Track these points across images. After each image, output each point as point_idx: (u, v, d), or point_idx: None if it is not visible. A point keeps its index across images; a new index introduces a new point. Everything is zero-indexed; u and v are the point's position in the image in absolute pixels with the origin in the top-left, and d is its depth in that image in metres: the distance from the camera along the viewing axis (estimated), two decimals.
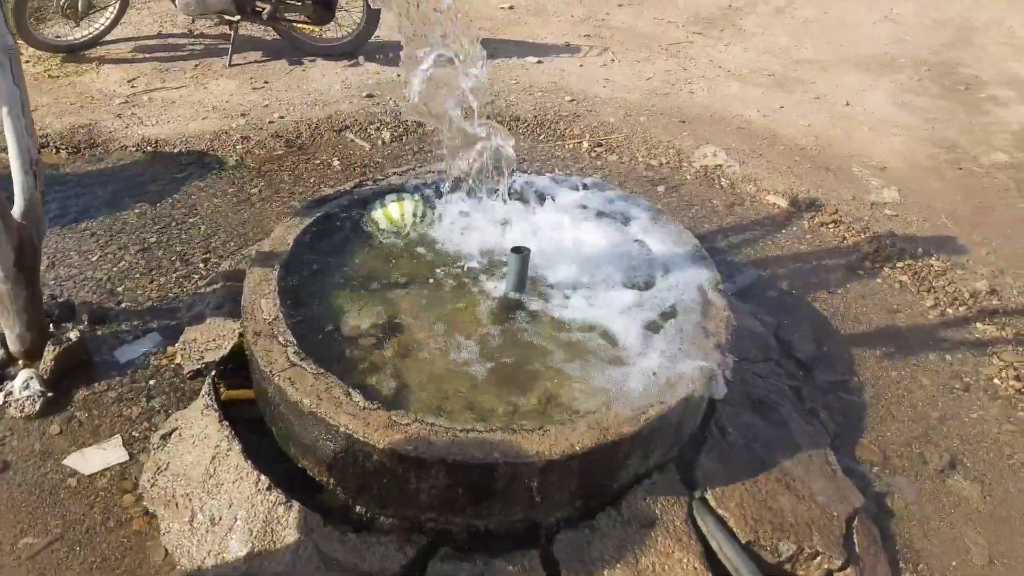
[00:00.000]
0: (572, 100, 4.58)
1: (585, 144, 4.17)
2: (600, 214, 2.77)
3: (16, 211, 2.32)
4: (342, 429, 1.88)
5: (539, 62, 5.09)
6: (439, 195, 2.80)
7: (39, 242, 2.40)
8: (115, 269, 3.02)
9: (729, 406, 2.38)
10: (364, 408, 1.92)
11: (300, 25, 4.84)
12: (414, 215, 2.72)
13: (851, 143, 4.39)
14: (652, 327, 2.28)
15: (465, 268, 2.49)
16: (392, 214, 2.71)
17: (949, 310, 3.16)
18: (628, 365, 2.14)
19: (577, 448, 1.88)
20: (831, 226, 3.60)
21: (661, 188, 3.83)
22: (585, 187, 2.91)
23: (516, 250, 2.31)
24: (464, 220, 2.71)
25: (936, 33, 6.39)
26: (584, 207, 2.80)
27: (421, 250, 2.59)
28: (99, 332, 2.70)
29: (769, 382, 2.64)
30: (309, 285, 2.43)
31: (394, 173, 2.96)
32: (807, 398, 2.67)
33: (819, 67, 5.49)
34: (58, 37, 4.73)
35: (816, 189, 3.85)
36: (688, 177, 3.94)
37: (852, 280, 3.29)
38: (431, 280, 2.45)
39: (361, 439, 1.86)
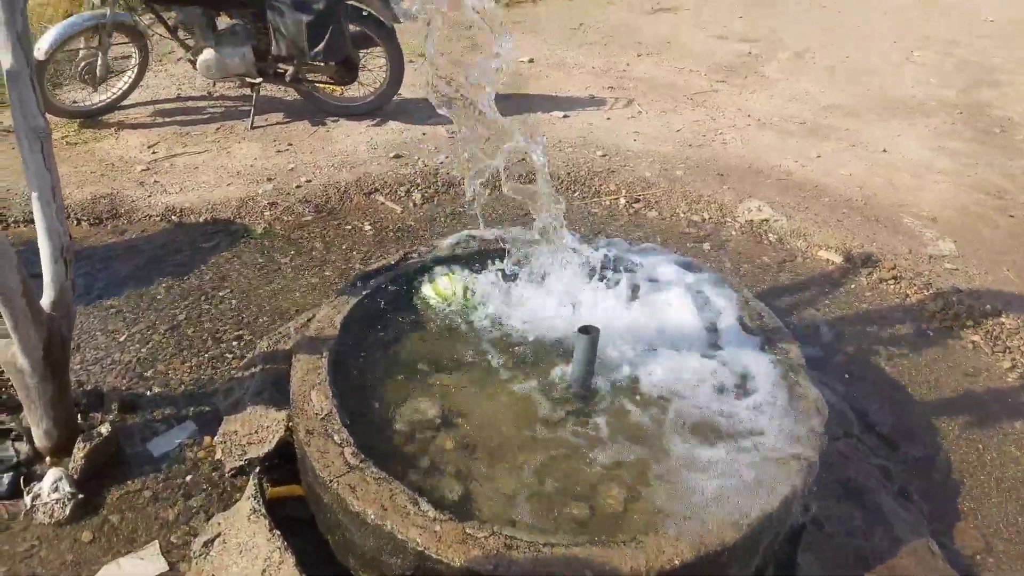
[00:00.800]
0: (604, 155, 4.46)
1: (622, 200, 4.03)
2: (656, 281, 2.60)
3: (45, 301, 2.15)
4: (412, 545, 1.68)
5: (565, 116, 4.98)
6: (489, 266, 2.65)
7: (69, 333, 2.23)
8: (144, 350, 2.85)
9: (821, 493, 2.18)
10: (434, 519, 1.73)
11: (322, 85, 4.75)
12: (466, 289, 2.56)
13: (896, 192, 4.24)
14: (738, 414, 2.10)
15: (526, 349, 2.32)
16: (443, 289, 2.55)
17: None
18: (718, 460, 1.95)
19: (676, 561, 1.68)
20: (891, 283, 3.43)
21: (707, 246, 3.68)
22: (637, 251, 2.75)
23: (584, 330, 2.13)
24: (518, 292, 2.55)
25: (960, 74, 6.30)
26: (639, 272, 2.64)
27: (476, 329, 2.41)
28: (130, 421, 2.51)
29: (855, 462, 2.44)
30: (360, 372, 2.26)
31: (440, 244, 2.80)
32: (896, 477, 2.47)
33: (849, 113, 5.38)
34: (75, 103, 4.64)
35: (870, 243, 3.69)
36: (733, 233, 3.79)
37: (921, 341, 3.11)
38: (490, 363, 2.27)
39: (434, 556, 1.67)
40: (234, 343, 2.92)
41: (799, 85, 5.89)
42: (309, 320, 2.71)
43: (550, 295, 2.51)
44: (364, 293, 2.50)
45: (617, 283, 2.55)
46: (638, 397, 2.16)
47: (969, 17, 7.90)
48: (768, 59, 6.49)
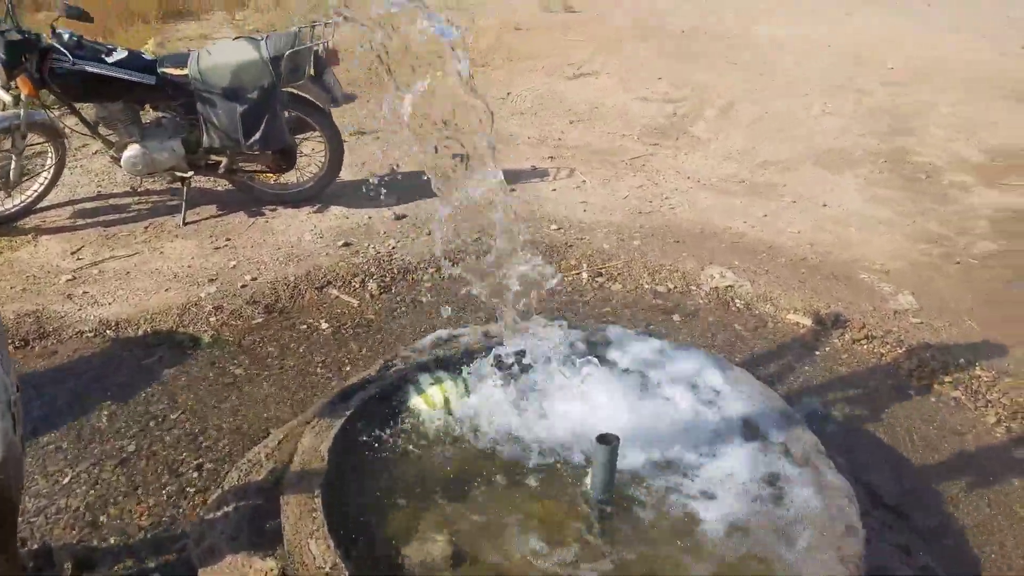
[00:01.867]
0: (558, 228, 4.39)
1: (584, 275, 3.94)
2: (652, 369, 2.50)
3: None
4: None
5: (512, 190, 4.90)
6: (478, 367, 2.48)
7: (18, 496, 1.93)
8: (92, 492, 2.54)
9: None
10: None
11: (258, 174, 4.54)
12: (458, 397, 2.39)
13: (846, 248, 4.31)
14: (768, 518, 1.98)
15: (535, 461, 2.16)
16: (433, 399, 2.37)
17: (1013, 425, 2.99)
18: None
19: None
20: (864, 343, 3.43)
21: (676, 317, 3.61)
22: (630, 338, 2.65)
23: (603, 439, 1.99)
24: (514, 393, 2.39)
25: (876, 122, 6.58)
26: (636, 360, 2.53)
27: (477, 441, 2.24)
28: None
29: (874, 544, 2.35)
30: (357, 508, 2.04)
31: (418, 346, 2.63)
32: (915, 553, 2.39)
33: (783, 168, 5.51)
34: None
35: (834, 302, 3.71)
36: (701, 302, 3.74)
37: (905, 401, 3.10)
38: (497, 482, 2.10)
39: None
40: (194, 474, 2.64)
41: (729, 143, 6.02)
42: (281, 443, 2.49)
43: (550, 394, 2.36)
44: (347, 414, 2.29)
45: (612, 372, 2.43)
46: (665, 506, 2.02)
47: (873, 66, 8.33)
48: (695, 118, 6.63)
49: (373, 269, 3.92)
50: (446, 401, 2.36)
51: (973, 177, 5.46)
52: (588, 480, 2.04)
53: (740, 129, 6.34)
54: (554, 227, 4.39)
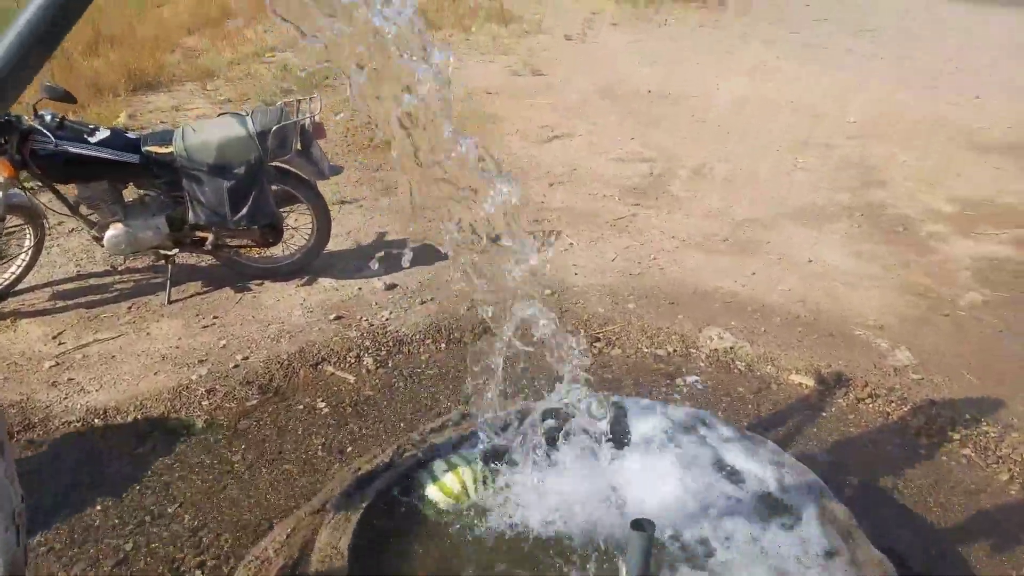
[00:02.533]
0: (552, 293, 4.36)
1: (583, 340, 3.90)
2: (675, 439, 2.45)
3: None
4: None
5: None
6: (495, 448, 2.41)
7: None
8: None
9: None
10: None
11: (245, 249, 4.46)
12: (475, 482, 2.31)
13: (838, 303, 4.35)
14: None
15: (562, 552, 2.08)
16: (450, 486, 2.28)
17: None
18: None
19: None
20: (868, 401, 3.43)
21: (679, 381, 3.59)
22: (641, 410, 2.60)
23: (637, 525, 1.91)
24: (537, 476, 2.32)
25: (846, 176, 6.74)
26: (654, 434, 2.48)
27: (502, 531, 2.16)
28: None
29: None
30: None
31: (432, 430, 2.55)
32: None
33: (763, 225, 5.59)
34: None
35: (835, 361, 3.72)
36: (702, 364, 3.72)
37: (917, 461, 3.08)
38: None
39: None
40: (197, 573, 2.51)
41: (708, 201, 6.10)
42: (289, 536, 2.38)
43: (572, 474, 2.30)
44: (364, 505, 2.20)
45: (636, 448, 2.37)
46: None
47: (835, 120, 8.58)
48: (671, 177, 6.73)
49: (368, 343, 3.84)
50: (464, 488, 2.28)
51: (948, 227, 5.59)
52: (623, 569, 1.97)
53: (716, 187, 6.43)
54: (547, 292, 4.37)
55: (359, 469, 2.36)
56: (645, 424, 2.49)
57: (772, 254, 5.05)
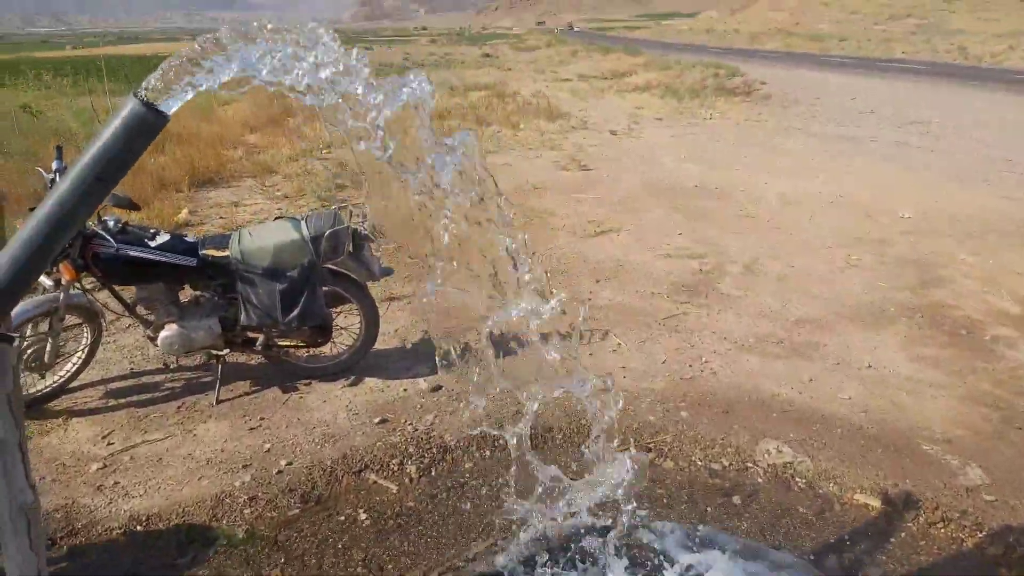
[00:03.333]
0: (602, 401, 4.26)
1: (633, 451, 3.77)
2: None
3: None
4: None
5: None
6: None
7: None
8: None
9: None
10: None
11: (293, 348, 4.49)
12: None
13: (903, 414, 4.15)
14: None
15: None
16: None
17: None
18: None
19: None
20: (940, 526, 3.21)
21: (736, 498, 3.42)
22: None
23: None
24: None
25: (903, 273, 6.58)
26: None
27: None
28: None
29: None
30: None
31: (476, 553, 2.45)
32: None
33: (819, 326, 5.44)
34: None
35: (901, 479, 3.51)
36: (760, 480, 3.55)
37: None
38: None
39: None
40: None
41: (760, 300, 5.99)
42: None
43: None
44: None
45: None
46: None
47: (888, 215, 8.47)
48: (720, 274, 6.65)
49: (411, 449, 3.78)
50: None
51: (1015, 331, 5.36)
52: None
53: (768, 286, 6.33)
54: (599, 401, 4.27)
55: None
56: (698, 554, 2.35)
57: (829, 358, 4.89)
